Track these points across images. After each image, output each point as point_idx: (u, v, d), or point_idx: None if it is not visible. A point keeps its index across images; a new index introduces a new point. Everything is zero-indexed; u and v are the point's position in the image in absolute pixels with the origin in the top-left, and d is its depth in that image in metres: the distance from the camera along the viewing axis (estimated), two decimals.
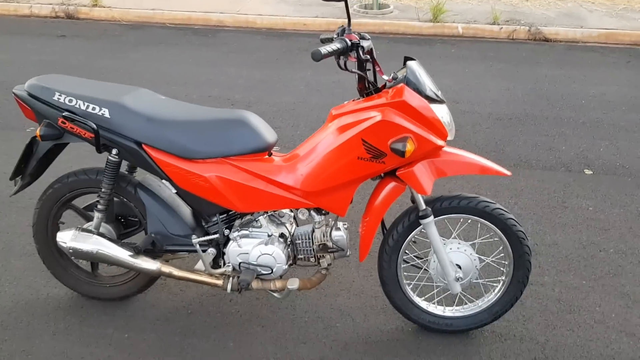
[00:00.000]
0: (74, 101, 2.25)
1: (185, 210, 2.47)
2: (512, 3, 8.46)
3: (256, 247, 2.33)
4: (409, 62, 2.17)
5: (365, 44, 2.11)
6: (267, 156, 2.34)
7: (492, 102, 5.06)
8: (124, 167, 2.49)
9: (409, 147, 2.08)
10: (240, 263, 2.37)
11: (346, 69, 2.11)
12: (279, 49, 6.56)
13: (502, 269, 2.46)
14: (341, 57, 2.10)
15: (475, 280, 2.43)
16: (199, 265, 2.45)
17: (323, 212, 2.38)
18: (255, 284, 2.38)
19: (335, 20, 7.56)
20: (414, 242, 2.46)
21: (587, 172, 3.92)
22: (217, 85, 5.39)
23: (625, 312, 2.66)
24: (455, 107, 4.93)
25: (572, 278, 2.88)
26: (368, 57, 2.16)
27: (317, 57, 1.94)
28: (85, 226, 2.46)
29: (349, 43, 2.06)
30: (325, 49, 1.97)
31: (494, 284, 2.52)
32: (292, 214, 2.47)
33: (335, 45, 2.02)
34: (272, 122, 4.54)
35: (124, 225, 2.60)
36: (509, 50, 6.70)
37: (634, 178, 3.85)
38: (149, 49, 6.49)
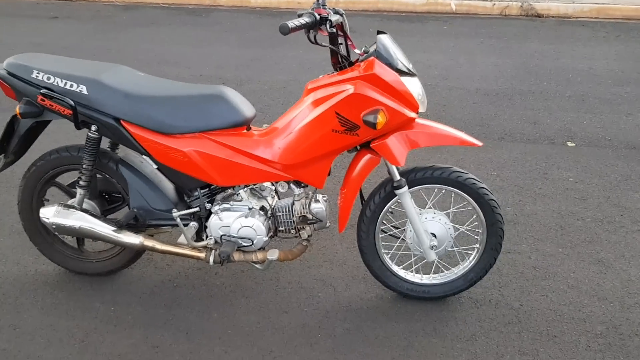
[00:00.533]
0: (52, 78, 2.30)
1: (168, 185, 2.53)
2: None
3: (237, 219, 2.39)
4: (379, 36, 2.21)
5: (334, 18, 2.14)
6: (245, 130, 2.39)
7: (480, 78, 5.09)
8: (106, 144, 2.54)
9: (380, 119, 2.13)
10: (221, 236, 2.43)
11: (316, 43, 2.15)
12: (272, 28, 6.58)
13: (476, 237, 2.52)
14: (311, 32, 2.14)
15: (450, 249, 2.49)
16: (182, 239, 2.51)
17: (302, 184, 2.43)
18: (237, 256, 2.45)
19: None
20: (391, 212, 2.52)
21: (570, 144, 3.97)
22: (209, 65, 5.42)
23: (599, 278, 2.73)
24: (443, 83, 4.97)
25: (548, 246, 2.94)
26: (337, 31, 2.19)
27: (285, 30, 1.99)
28: (68, 202, 2.52)
29: (318, 17, 2.10)
30: (293, 22, 2.01)
31: (469, 252, 2.59)
32: (273, 187, 2.53)
33: (303, 20, 2.06)
34: (263, 100, 4.61)
35: (107, 201, 2.66)
36: (501, 26, 6.71)
37: (614, 149, 3.90)
38: (141, 30, 6.52)
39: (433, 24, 6.80)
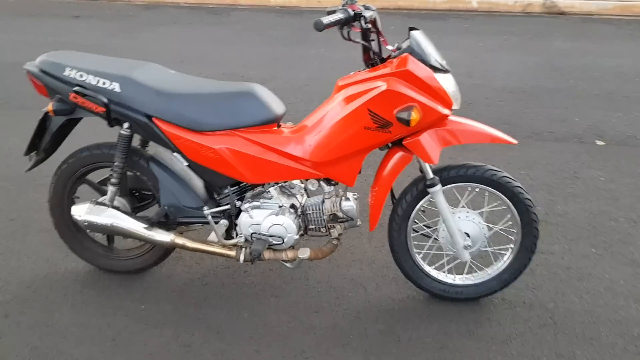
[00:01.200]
0: (85, 76, 2.29)
1: (197, 183, 2.51)
2: None
3: (267, 217, 2.37)
4: (412, 32, 2.19)
5: (368, 14, 2.12)
6: (275, 128, 2.37)
7: (505, 76, 5.03)
8: (136, 141, 2.54)
9: (414, 116, 2.10)
10: (252, 234, 2.41)
11: (349, 39, 2.12)
12: (293, 27, 6.57)
13: (510, 236, 2.48)
14: (344, 28, 2.11)
15: (484, 249, 2.45)
16: (212, 236, 2.50)
17: (332, 182, 2.41)
18: (267, 255, 2.43)
19: None
20: (423, 211, 2.49)
21: (599, 143, 3.90)
22: (231, 63, 5.42)
23: (634, 279, 2.67)
24: (468, 80, 4.92)
25: (581, 246, 2.89)
26: (371, 27, 2.17)
27: (320, 27, 1.96)
28: (99, 200, 2.51)
29: (352, 13, 2.07)
30: (327, 19, 1.99)
31: (503, 252, 2.54)
32: (303, 185, 2.51)
33: (337, 16, 2.03)
34: (285, 98, 4.54)
35: (138, 199, 2.66)
36: (523, 23, 6.64)
37: None
38: (162, 29, 6.54)
39: (455, 21, 6.75)
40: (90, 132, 3.06)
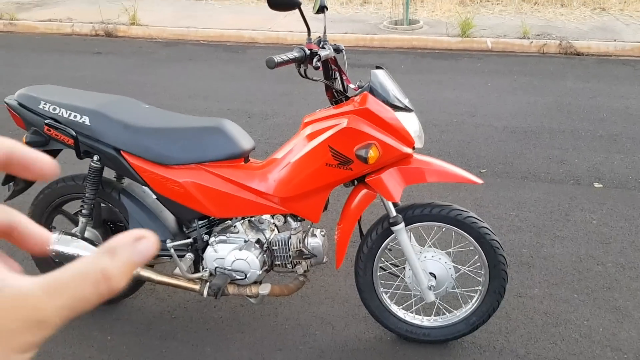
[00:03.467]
0: (58, 109, 2.36)
1: (168, 216, 2.54)
2: (546, 17, 8.34)
3: (231, 252, 2.37)
4: (373, 71, 2.20)
5: (323, 53, 2.13)
6: (243, 162, 2.39)
7: (509, 116, 4.99)
8: (112, 173, 2.58)
9: (372, 153, 2.09)
10: (216, 268, 2.41)
11: (306, 77, 2.14)
12: None
13: (478, 278, 2.43)
14: (301, 66, 2.13)
15: (451, 290, 2.40)
16: (179, 270, 2.50)
17: (299, 218, 2.40)
18: (231, 289, 2.42)
19: (364, 36, 7.62)
20: (389, 249, 2.45)
21: (597, 185, 3.81)
22: (237, 99, 5.50)
23: (614, 327, 2.58)
24: (470, 119, 4.89)
25: (563, 291, 2.81)
26: (332, 65, 2.19)
27: (271, 64, 1.99)
28: (72, 230, 2.55)
29: (307, 52, 2.10)
30: (280, 57, 2.01)
31: (471, 294, 2.49)
32: (273, 220, 2.51)
33: (292, 54, 2.06)
34: (285, 133, 4.62)
35: (112, 230, 2.69)
36: (537, 64, 6.60)
37: None
38: (177, 65, 6.69)
39: (467, 61, 6.74)
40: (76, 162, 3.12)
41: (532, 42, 7.19)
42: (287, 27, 8.09)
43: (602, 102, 5.29)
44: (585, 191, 3.74)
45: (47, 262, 2.70)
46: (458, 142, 4.42)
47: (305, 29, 2.21)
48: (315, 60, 2.10)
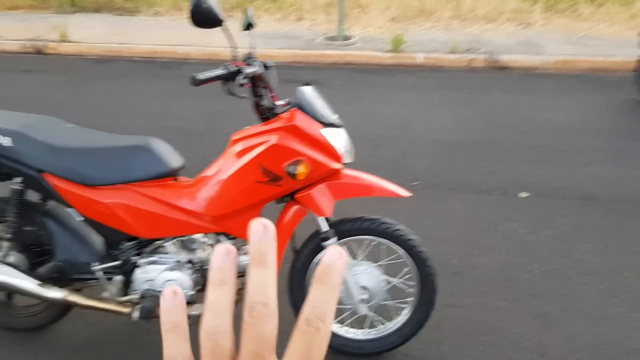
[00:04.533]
0: None
1: (96, 238, 2.47)
2: (474, 33, 8.62)
3: (162, 273, 2.33)
4: (300, 88, 2.22)
5: (249, 70, 2.14)
6: (172, 181, 2.35)
7: (440, 129, 5.11)
8: (37, 195, 2.50)
9: (301, 169, 2.11)
10: (147, 289, 2.36)
11: (231, 94, 2.14)
12: None
13: (409, 289, 2.47)
14: (227, 83, 2.13)
15: (383, 302, 2.43)
16: (107, 293, 2.44)
17: (231, 237, 2.39)
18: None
19: (300, 51, 7.67)
20: None
21: (523, 195, 3.95)
22: (172, 116, 5.43)
23: (541, 333, 2.67)
24: (403, 134, 4.99)
25: (492, 299, 2.89)
26: (259, 82, 2.20)
27: (195, 82, 1.99)
28: None
29: (232, 69, 2.10)
30: (204, 74, 2.01)
31: (402, 305, 2.53)
32: (204, 239, 2.48)
33: (216, 72, 2.06)
34: (221, 150, 4.58)
35: (37, 254, 2.60)
36: (466, 78, 6.80)
37: (568, 200, 3.88)
38: (110, 82, 6.56)
39: (400, 76, 6.89)
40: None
41: (461, 56, 7.41)
42: (222, 42, 8.00)
43: (528, 115, 5.49)
44: (512, 201, 3.88)
45: None
46: (391, 156, 4.50)
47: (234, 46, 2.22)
48: (238, 77, 2.10)
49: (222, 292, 0.41)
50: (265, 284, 0.41)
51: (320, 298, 0.41)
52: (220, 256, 0.42)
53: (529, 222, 3.61)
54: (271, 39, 8.18)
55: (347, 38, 8.12)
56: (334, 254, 0.41)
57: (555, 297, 2.92)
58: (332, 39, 8.13)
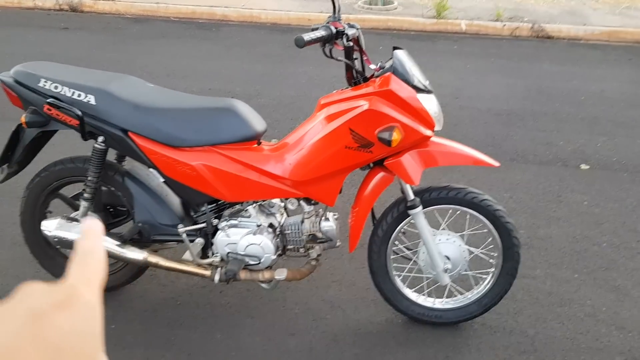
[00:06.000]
0: (60, 87, 2.24)
1: (174, 200, 2.46)
2: (517, 1, 8.41)
3: (244, 237, 2.32)
4: (396, 51, 2.16)
5: (351, 32, 2.08)
6: (256, 145, 2.32)
7: (491, 98, 5.02)
8: (112, 155, 2.48)
9: (396, 136, 2.06)
10: (228, 253, 2.35)
11: (332, 57, 2.09)
12: (282, 44, 6.54)
13: (491, 260, 2.44)
14: (326, 45, 2.08)
15: (464, 272, 2.41)
16: (187, 255, 2.43)
17: (312, 202, 2.36)
18: (243, 275, 2.37)
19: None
20: (404, 233, 2.44)
21: (584, 167, 3.88)
22: (218, 79, 5.38)
23: (616, 306, 2.64)
24: (454, 102, 4.91)
25: (564, 271, 2.86)
26: (354, 45, 2.14)
27: (301, 43, 1.93)
28: (71, 215, 2.45)
29: (334, 31, 2.04)
30: (309, 35, 1.96)
31: (484, 276, 2.50)
32: (283, 204, 2.46)
33: (319, 33, 2.00)
34: (271, 115, 4.55)
35: (112, 215, 2.59)
36: (511, 47, 6.66)
37: (630, 173, 3.81)
38: (151, 42, 6.49)
39: (443, 43, 6.76)
40: (70, 144, 3.00)
41: (505, 24, 7.25)
42: (260, 5, 7.94)
43: (578, 85, 5.38)
44: (574, 173, 3.81)
45: (42, 248, 2.59)
46: (445, 125, 4.37)
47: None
48: (345, 39, 2.05)
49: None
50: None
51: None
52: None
53: (592, 194, 3.56)
54: (309, 2, 8.03)
55: (387, 3, 7.96)
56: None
57: (627, 271, 2.88)
58: (372, 3, 7.96)
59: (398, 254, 2.52)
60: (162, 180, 2.41)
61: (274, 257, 2.34)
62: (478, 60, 6.07)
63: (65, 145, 3.55)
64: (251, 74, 5.51)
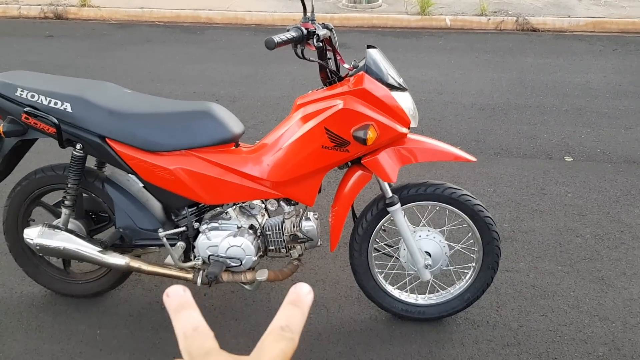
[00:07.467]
0: (36, 96, 2.24)
1: (155, 204, 2.46)
2: None
3: (225, 239, 2.32)
4: (369, 50, 2.16)
5: (322, 32, 2.09)
6: (233, 147, 2.33)
7: (475, 93, 5.04)
8: (93, 162, 2.49)
9: (371, 134, 2.07)
10: (209, 256, 2.36)
11: (304, 58, 2.10)
12: None
13: (472, 255, 2.45)
14: (298, 46, 2.09)
15: (445, 267, 2.42)
16: (169, 259, 2.44)
17: (292, 202, 2.37)
18: (225, 277, 2.38)
19: (324, 15, 7.55)
20: (384, 230, 2.45)
21: (568, 159, 3.90)
22: (202, 82, 5.38)
23: (599, 297, 2.65)
24: (438, 97, 4.92)
25: (547, 264, 2.87)
26: (327, 45, 2.15)
27: (271, 45, 1.94)
28: (54, 222, 2.45)
29: (305, 31, 2.05)
30: (279, 37, 1.96)
31: (465, 271, 2.51)
32: (263, 205, 2.46)
33: (290, 34, 2.01)
34: (256, 116, 4.56)
35: (94, 221, 2.60)
36: (496, 41, 6.68)
37: (613, 164, 3.83)
38: (136, 47, 6.49)
39: (427, 39, 6.77)
40: (54, 152, 3.00)
41: (489, 19, 7.28)
42: (245, 6, 7.94)
43: (563, 78, 5.40)
44: (557, 165, 3.83)
45: (27, 256, 2.59)
46: (429, 121, 4.44)
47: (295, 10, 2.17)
48: (315, 40, 2.06)
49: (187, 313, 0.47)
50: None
51: (294, 316, 0.48)
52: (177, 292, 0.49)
53: (576, 186, 3.57)
54: (294, 2, 8.04)
55: (371, 1, 7.98)
56: (305, 287, 0.51)
57: (610, 262, 2.90)
58: (356, 1, 7.98)
59: (379, 251, 2.53)
60: (141, 185, 2.42)
61: (255, 258, 2.35)
62: (462, 56, 6.09)
63: (50, 153, 3.56)
64: (235, 76, 5.51)
